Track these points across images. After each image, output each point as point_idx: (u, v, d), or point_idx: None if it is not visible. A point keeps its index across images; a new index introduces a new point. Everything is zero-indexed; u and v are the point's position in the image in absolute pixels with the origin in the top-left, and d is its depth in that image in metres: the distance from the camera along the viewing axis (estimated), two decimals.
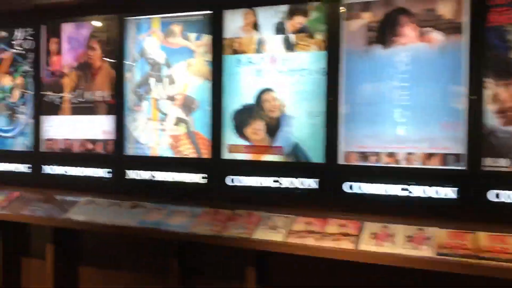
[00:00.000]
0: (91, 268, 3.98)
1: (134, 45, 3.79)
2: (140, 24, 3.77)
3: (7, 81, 4.31)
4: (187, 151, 3.60)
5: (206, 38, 3.52)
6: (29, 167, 4.21)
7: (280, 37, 3.26)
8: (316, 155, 3.15)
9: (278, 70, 3.27)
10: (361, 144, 3.02)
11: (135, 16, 3.78)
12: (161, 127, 3.69)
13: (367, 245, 2.77)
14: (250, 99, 3.36)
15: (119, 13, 3.83)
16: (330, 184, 3.09)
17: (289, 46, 3.24)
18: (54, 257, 3.87)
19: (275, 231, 3.01)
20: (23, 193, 4.11)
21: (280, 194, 3.25)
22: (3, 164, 4.32)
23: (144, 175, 3.73)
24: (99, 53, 3.92)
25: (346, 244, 2.80)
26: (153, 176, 3.69)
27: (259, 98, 3.34)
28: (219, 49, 3.48)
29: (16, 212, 3.86)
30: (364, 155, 3.01)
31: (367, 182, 2.98)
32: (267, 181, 3.26)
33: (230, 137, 3.45)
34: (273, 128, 3.28)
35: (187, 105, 3.59)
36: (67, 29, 4.05)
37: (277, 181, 3.24)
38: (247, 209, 3.30)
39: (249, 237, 3.02)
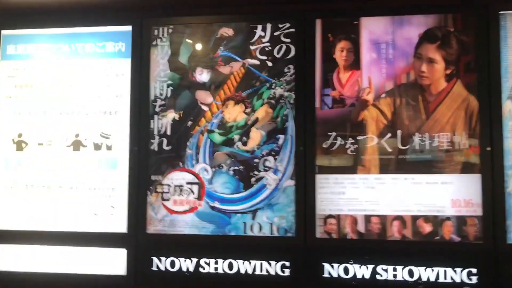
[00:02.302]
0: None
1: None
2: None
3: (235, 113, 2.63)
4: None
5: None
6: (287, 267, 2.52)
7: None
8: None
9: None
10: None
11: None
12: None
13: None
14: None
15: (482, 3, 2.44)
16: None
17: None
18: None
19: None
20: None
21: None
22: (226, 261, 2.55)
23: None
24: (442, 68, 2.46)
25: None
26: None
27: None
28: None
29: None
30: None
31: None
32: None
33: None
34: None
35: None
36: (373, 26, 2.55)
37: None
38: None
39: None
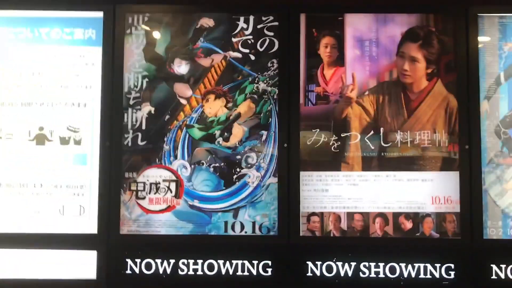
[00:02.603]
0: None
1: (495, 58, 2.49)
2: (507, 26, 2.51)
3: (216, 108, 2.55)
4: None
5: None
6: (269, 267, 2.48)
7: None
8: None
9: None
10: None
11: (498, 13, 2.52)
12: None
13: None
14: None
15: (462, 5, 2.53)
16: None
17: None
18: None
19: None
20: None
21: None
22: (206, 261, 2.47)
23: None
24: (424, 67, 2.52)
25: None
26: None
27: None
28: None
29: None
30: None
31: None
32: None
33: None
34: None
35: None
36: (357, 23, 2.56)
37: None
38: None
39: None
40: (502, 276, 2.45)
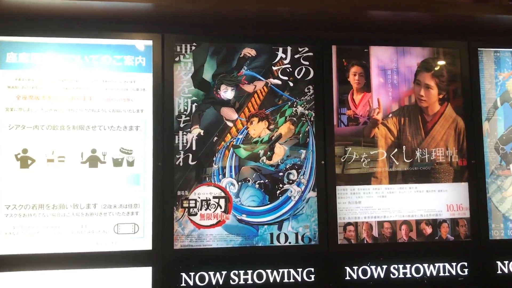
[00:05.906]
0: None
1: (492, 85, 2.98)
2: (500, 58, 3.01)
3: (259, 130, 2.81)
4: None
5: None
6: (312, 273, 2.78)
7: None
8: None
9: None
10: None
11: (493, 48, 3.01)
12: None
13: None
14: None
15: (464, 40, 3.01)
16: None
17: None
18: None
19: None
20: None
21: None
22: (256, 271, 2.71)
23: None
24: (436, 94, 2.95)
25: None
26: None
27: None
28: None
29: None
30: None
31: None
32: None
33: None
34: None
35: None
36: (379, 54, 2.95)
37: None
38: None
39: None
40: (506, 271, 2.92)
